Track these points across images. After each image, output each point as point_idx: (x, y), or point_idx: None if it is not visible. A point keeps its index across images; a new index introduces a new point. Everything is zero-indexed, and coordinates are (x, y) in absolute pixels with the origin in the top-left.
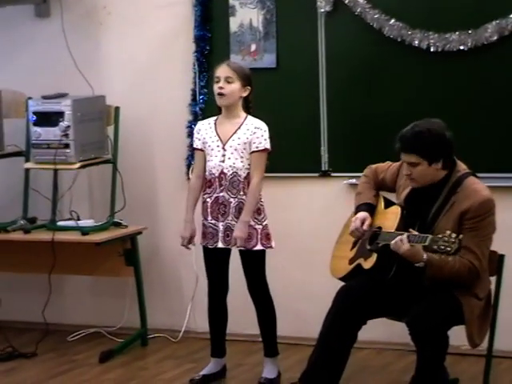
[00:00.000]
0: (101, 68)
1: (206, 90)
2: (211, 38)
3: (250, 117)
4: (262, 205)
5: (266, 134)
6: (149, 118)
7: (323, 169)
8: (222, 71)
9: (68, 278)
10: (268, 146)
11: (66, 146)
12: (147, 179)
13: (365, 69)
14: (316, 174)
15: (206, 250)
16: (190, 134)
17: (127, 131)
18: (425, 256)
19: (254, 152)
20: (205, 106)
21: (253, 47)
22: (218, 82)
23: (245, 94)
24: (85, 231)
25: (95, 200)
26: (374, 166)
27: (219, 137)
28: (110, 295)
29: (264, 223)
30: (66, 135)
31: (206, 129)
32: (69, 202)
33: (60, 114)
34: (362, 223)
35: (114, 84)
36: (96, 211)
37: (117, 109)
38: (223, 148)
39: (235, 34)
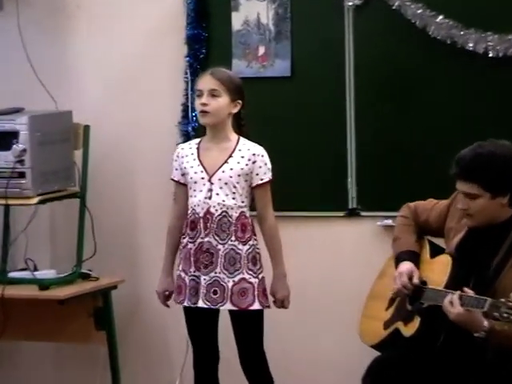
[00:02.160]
0: (67, 76)
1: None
2: (208, 38)
3: (242, 139)
4: (258, 252)
5: (268, 160)
6: (128, 140)
7: (350, 206)
8: (204, 83)
9: (23, 345)
10: (271, 174)
11: (21, 175)
12: (125, 218)
13: (403, 79)
14: (341, 213)
15: (187, 310)
16: None
17: (100, 157)
18: (485, 324)
19: (258, 186)
20: (199, 124)
21: (261, 50)
22: (200, 96)
23: (235, 111)
24: (44, 285)
25: (58, 244)
26: (413, 204)
27: (203, 166)
28: (77, 367)
29: (260, 276)
30: (21, 161)
31: (186, 155)
32: (24, 247)
33: (14, 135)
34: (410, 278)
35: (83, 97)
36: (59, 259)
37: (86, 128)
38: (209, 181)
39: (238, 33)
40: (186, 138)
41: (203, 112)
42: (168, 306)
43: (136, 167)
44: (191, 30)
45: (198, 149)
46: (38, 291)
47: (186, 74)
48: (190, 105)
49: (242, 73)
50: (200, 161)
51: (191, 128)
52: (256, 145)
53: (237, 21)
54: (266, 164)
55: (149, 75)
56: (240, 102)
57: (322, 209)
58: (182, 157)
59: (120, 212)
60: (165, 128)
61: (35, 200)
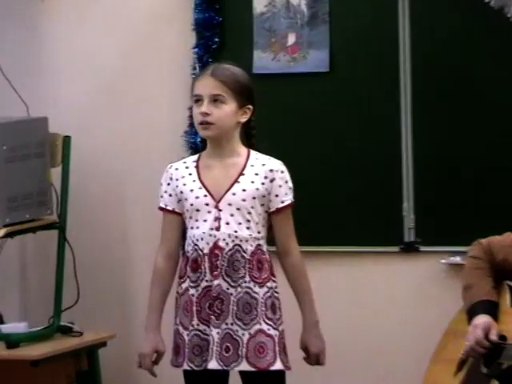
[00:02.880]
0: (41, 74)
1: None
2: (222, 23)
3: (254, 153)
4: (277, 297)
5: (289, 178)
6: (119, 155)
7: (407, 239)
8: (204, 86)
9: None
10: (293, 196)
11: None
12: (115, 255)
13: (475, 77)
14: (396, 249)
15: (189, 374)
16: None
17: (83, 176)
18: None
19: (278, 211)
20: None
21: (291, 39)
22: (198, 103)
23: (243, 119)
24: (12, 342)
25: (30, 289)
26: (486, 240)
27: (207, 189)
28: None
29: (281, 327)
30: None
31: (182, 176)
32: None
33: None
34: (486, 334)
35: (61, 100)
36: (31, 308)
37: (66, 140)
38: (216, 207)
39: (262, 16)
40: (194, 151)
41: (204, 123)
42: (155, 374)
43: (130, 191)
44: (201, 14)
45: (197, 167)
46: (4, 350)
47: (195, 69)
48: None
49: (265, 68)
50: (202, 182)
51: (200, 139)
52: (272, 158)
53: (259, 1)
54: (286, 182)
55: (147, 72)
56: (250, 107)
57: (370, 242)
58: (177, 179)
59: (109, 247)
60: (167, 140)
61: (1, 232)
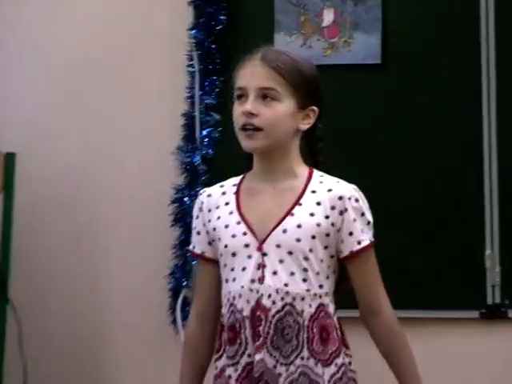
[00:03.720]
0: None
1: (217, 116)
2: None
3: (318, 173)
4: (353, 378)
5: (366, 207)
6: (86, 181)
7: (490, 301)
8: (250, 76)
9: None
10: (372, 236)
11: None
12: (81, 328)
13: None
14: (475, 314)
15: None
16: (183, 222)
17: (35, 210)
18: None
19: (354, 255)
20: (214, 151)
21: (328, 17)
22: (241, 98)
23: (306, 126)
24: None
25: None
26: None
27: (248, 225)
28: None
29: None
30: None
31: (217, 206)
32: None
33: None
34: None
35: (4, 107)
36: None
37: (10, 159)
38: (259, 250)
39: None
40: (192, 176)
41: (249, 128)
42: None
43: (102, 232)
44: None
45: (237, 194)
46: None
47: (192, 60)
48: (197, 115)
49: None
50: (241, 215)
51: (199, 158)
52: (342, 181)
53: None
54: (363, 215)
55: (123, 66)
56: (315, 109)
57: (443, 305)
58: (210, 210)
59: (70, 316)
60: (152, 159)
61: None
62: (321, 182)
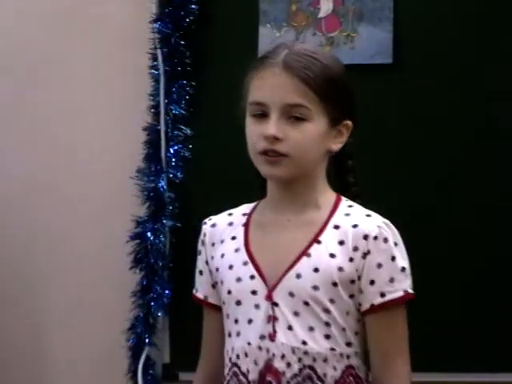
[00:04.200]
0: None
1: (187, 130)
2: None
3: (345, 203)
4: None
5: (399, 251)
6: (20, 216)
7: None
8: (272, 88)
9: None
10: (409, 284)
11: None
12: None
13: None
14: None
15: None
16: (145, 264)
17: None
18: None
19: (374, 310)
20: (185, 174)
21: (326, 6)
22: (260, 117)
23: (338, 146)
24: None
25: None
26: None
27: (257, 267)
28: None
29: None
30: None
31: (221, 240)
32: None
33: None
34: None
35: None
36: None
37: None
38: (269, 299)
39: None
40: (156, 205)
41: (272, 155)
42: None
43: (41, 282)
44: None
45: (246, 226)
46: None
47: (155, 61)
48: (163, 130)
49: None
50: (250, 254)
51: (165, 184)
52: (373, 214)
53: None
54: (393, 259)
55: (71, 68)
56: (349, 123)
57: (481, 368)
58: (213, 244)
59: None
60: (107, 184)
61: None
62: (347, 215)
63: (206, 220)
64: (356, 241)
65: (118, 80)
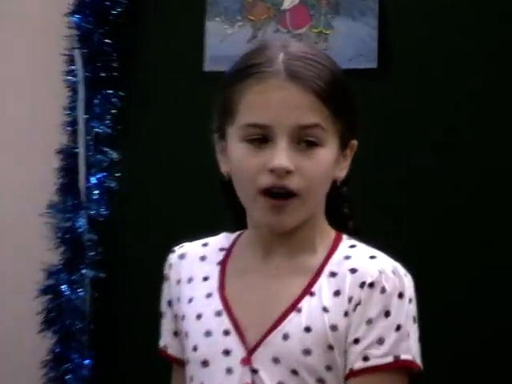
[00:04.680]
0: None
1: (113, 154)
2: None
3: (346, 243)
4: None
5: (405, 307)
6: None
7: None
8: (280, 105)
9: None
10: (417, 350)
11: None
12: None
13: None
14: None
15: None
16: (59, 325)
17: None
18: None
19: (357, 374)
20: (111, 211)
21: None
22: (258, 142)
23: (343, 172)
24: None
25: None
26: None
27: (233, 320)
28: None
29: None
30: None
31: (188, 276)
32: None
33: None
34: None
35: None
36: None
37: None
38: (246, 362)
39: None
40: (73, 251)
41: (280, 195)
42: None
43: None
44: None
45: (222, 265)
46: None
47: (72, 63)
48: (82, 154)
49: (233, 59)
50: (225, 302)
51: (85, 222)
52: (380, 256)
53: None
54: (387, 313)
55: None
56: (355, 143)
57: None
58: (178, 281)
59: None
60: (11, 223)
61: None
62: (347, 258)
63: (176, 247)
64: (352, 289)
65: (25, 89)
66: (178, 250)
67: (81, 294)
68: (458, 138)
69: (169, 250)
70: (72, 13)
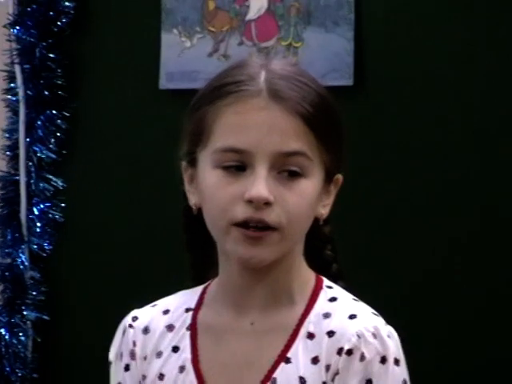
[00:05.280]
0: None
1: (58, 182)
2: None
3: (327, 291)
4: None
5: (391, 374)
6: None
7: None
8: (261, 129)
9: None
10: None
11: None
12: None
13: None
14: None
15: None
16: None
17: None
18: None
19: None
20: (54, 246)
21: (256, 5)
22: (234, 169)
23: (327, 209)
24: None
25: None
26: None
27: None
28: None
29: None
30: None
31: (156, 350)
32: None
33: None
34: None
35: None
36: None
37: None
38: None
39: None
40: (12, 293)
41: (255, 229)
42: None
43: None
44: None
45: (192, 331)
46: None
47: (13, 80)
48: (23, 182)
49: (192, 76)
50: (199, 376)
51: (26, 258)
52: (361, 313)
53: None
54: (369, 383)
55: None
56: (340, 177)
57: None
58: (146, 357)
59: None
60: None
61: None
62: (326, 316)
63: (130, 320)
64: (329, 356)
65: None
66: (136, 323)
67: (22, 338)
68: (440, 157)
69: (119, 289)
70: (12, 24)
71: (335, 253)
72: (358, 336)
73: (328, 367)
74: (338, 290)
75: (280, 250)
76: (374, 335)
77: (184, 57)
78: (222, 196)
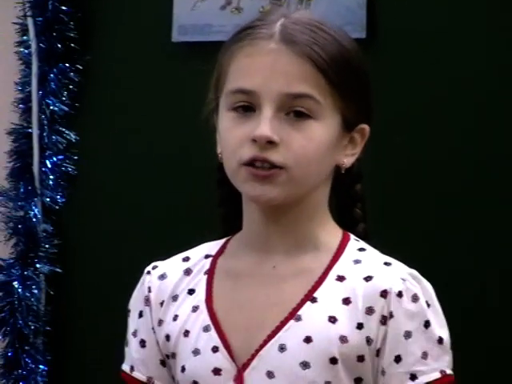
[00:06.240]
0: None
1: (71, 134)
2: None
3: (354, 243)
4: None
5: (438, 315)
6: None
7: None
8: (268, 70)
9: None
10: (449, 362)
11: None
12: None
13: None
14: None
15: None
16: (14, 333)
17: None
18: None
19: None
20: (68, 198)
21: None
22: (244, 110)
23: (350, 159)
24: None
25: None
26: None
27: (222, 335)
28: None
29: None
30: None
31: (172, 294)
32: None
33: None
34: None
35: None
36: None
37: None
38: (238, 380)
39: None
40: (26, 243)
41: (262, 168)
42: None
43: None
44: None
45: (209, 275)
46: None
47: (25, 33)
48: (36, 134)
49: (204, 29)
50: (212, 315)
51: (39, 211)
52: (394, 263)
53: None
54: (427, 325)
55: None
56: (366, 128)
57: None
58: (162, 302)
59: None
60: None
61: None
62: (356, 262)
63: (150, 268)
64: (370, 299)
65: None
66: (155, 271)
67: (35, 291)
68: (454, 110)
69: (132, 240)
70: None
71: (364, 212)
72: (403, 279)
73: (370, 310)
74: (365, 244)
75: (289, 190)
76: (417, 280)
77: (197, 10)
78: (232, 137)
